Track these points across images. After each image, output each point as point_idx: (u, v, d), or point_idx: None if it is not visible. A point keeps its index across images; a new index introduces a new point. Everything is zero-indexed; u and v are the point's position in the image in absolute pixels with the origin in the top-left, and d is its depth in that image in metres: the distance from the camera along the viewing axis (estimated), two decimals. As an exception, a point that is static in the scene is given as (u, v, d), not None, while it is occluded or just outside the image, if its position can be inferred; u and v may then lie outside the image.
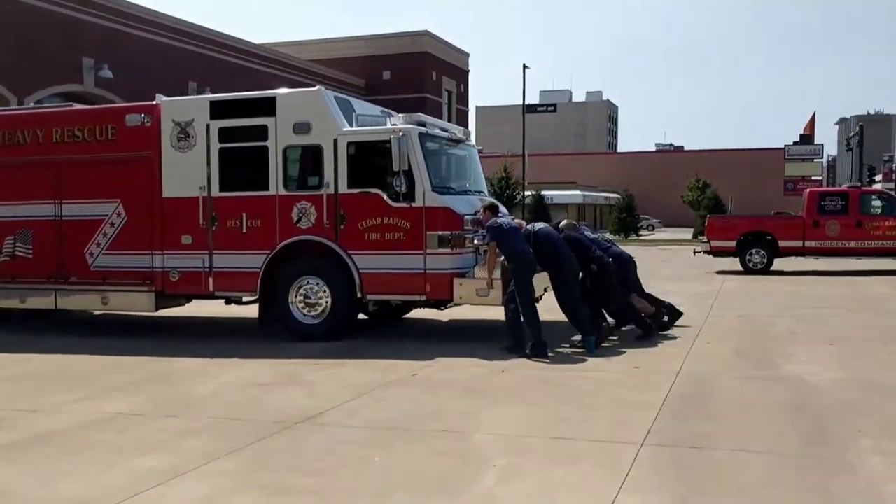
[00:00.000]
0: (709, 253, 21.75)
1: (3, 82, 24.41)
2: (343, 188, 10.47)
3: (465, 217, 10.50)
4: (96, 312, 13.17)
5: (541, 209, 46.51)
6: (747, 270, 21.00)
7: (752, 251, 21.18)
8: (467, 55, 47.73)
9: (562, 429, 6.39)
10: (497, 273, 9.86)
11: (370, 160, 10.49)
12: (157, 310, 11.27)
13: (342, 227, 10.46)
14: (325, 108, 10.57)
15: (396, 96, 39.56)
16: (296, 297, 10.68)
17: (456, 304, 10.72)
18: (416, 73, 40.26)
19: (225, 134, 10.82)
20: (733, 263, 21.51)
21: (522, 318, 9.62)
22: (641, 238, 48.35)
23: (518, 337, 9.61)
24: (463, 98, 47.18)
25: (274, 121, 10.64)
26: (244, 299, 11.22)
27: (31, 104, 22.40)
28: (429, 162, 10.43)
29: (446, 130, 11.59)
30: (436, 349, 9.88)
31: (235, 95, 11.15)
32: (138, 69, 28.09)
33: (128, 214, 11.10)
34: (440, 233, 10.23)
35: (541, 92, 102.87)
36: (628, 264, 11.22)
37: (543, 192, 49.99)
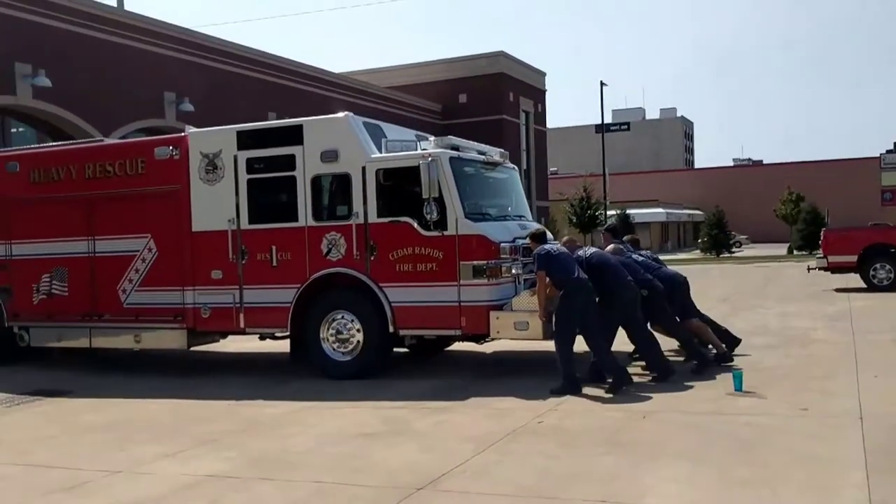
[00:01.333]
0: (826, 269, 19.91)
1: (88, 119, 24.76)
2: (373, 217, 9.83)
3: (502, 244, 9.75)
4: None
5: (626, 228, 45.18)
6: (871, 287, 19.18)
7: (876, 266, 19.37)
8: (543, 74, 46.96)
9: (747, 497, 5.20)
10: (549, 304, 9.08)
11: (399, 187, 9.82)
12: (189, 347, 10.86)
13: (372, 258, 9.83)
14: (353, 135, 10.03)
15: (473, 119, 39.14)
16: (327, 332, 10.05)
17: (493, 339, 10.03)
18: (493, 94, 39.70)
19: (253, 164, 10.32)
20: (850, 280, 19.72)
21: (558, 351, 8.86)
22: (734, 255, 46.40)
23: (572, 375, 8.70)
24: (540, 118, 46.40)
25: (301, 149, 10.09)
26: (277, 334, 10.82)
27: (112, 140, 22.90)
28: (461, 187, 9.73)
29: (483, 153, 10.96)
30: (541, 388, 8.72)
31: (262, 124, 10.74)
32: (218, 101, 28.18)
33: (158, 249, 10.72)
34: (475, 262, 9.48)
35: (613, 111, 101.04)
36: (681, 286, 10.34)
37: (629, 211, 48.67)
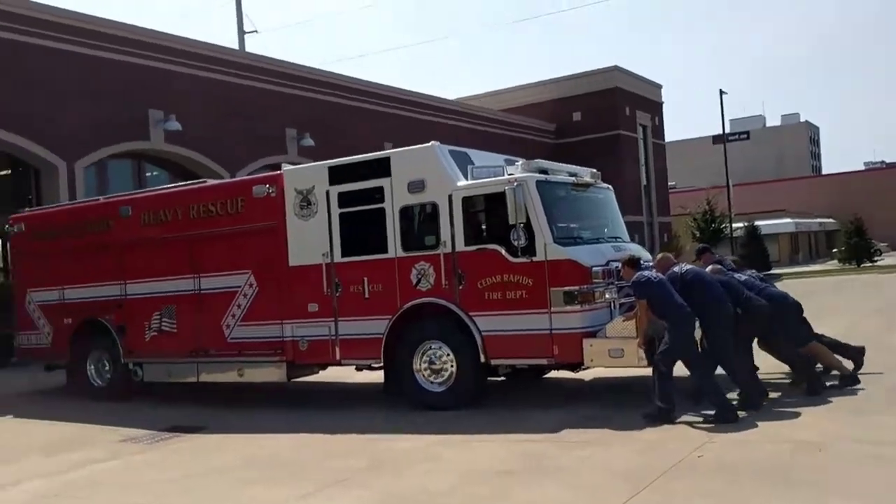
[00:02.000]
0: None
1: (215, 159, 25.66)
2: (460, 246, 9.66)
3: (594, 269, 9.41)
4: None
5: (754, 242, 43.28)
6: None
7: None
8: (660, 86, 45.83)
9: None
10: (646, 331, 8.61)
11: (486, 214, 9.65)
12: (289, 380, 11.01)
13: (461, 287, 9.65)
14: (438, 164, 9.91)
15: (589, 136, 38.59)
16: (420, 363, 9.97)
17: (587, 368, 9.69)
18: (608, 110, 38.99)
19: (344, 199, 10.37)
20: None
21: (699, 384, 8.46)
22: (877, 265, 43.49)
23: (669, 402, 8.35)
24: (658, 131, 45.22)
25: (389, 181, 10.05)
26: (374, 365, 10.84)
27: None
28: (550, 211, 9.43)
29: (574, 174, 10.68)
30: (691, 418, 8.26)
31: (352, 159, 10.81)
32: (337, 135, 28.67)
33: (259, 285, 10.89)
34: (565, 288, 9.15)
35: (731, 120, 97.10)
36: (790, 308, 9.68)
37: (756, 223, 46.64)
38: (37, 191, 21.63)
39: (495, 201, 9.46)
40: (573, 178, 10.36)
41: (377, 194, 10.21)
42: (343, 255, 10.45)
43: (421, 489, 6.68)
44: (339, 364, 10.71)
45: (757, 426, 7.90)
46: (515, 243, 9.28)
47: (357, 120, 30.22)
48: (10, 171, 22.57)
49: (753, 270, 10.76)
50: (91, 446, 9.32)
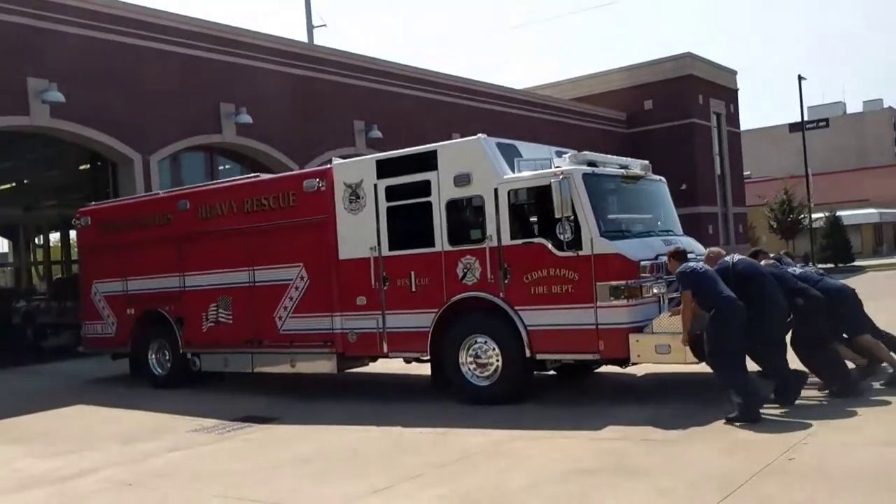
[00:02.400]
0: None
1: (285, 152, 25.94)
2: (506, 240, 9.56)
3: (642, 263, 9.19)
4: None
5: (836, 233, 41.77)
6: None
7: None
8: (734, 73, 44.53)
9: None
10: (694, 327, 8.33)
11: (532, 208, 9.51)
12: (338, 371, 11.12)
13: (506, 280, 9.55)
14: (484, 157, 9.80)
15: (661, 125, 37.77)
16: (466, 357, 9.90)
17: (634, 364, 9.49)
18: (681, 98, 38.01)
19: (391, 192, 10.37)
20: None
21: (722, 376, 8.15)
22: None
23: (752, 396, 7.93)
24: (733, 119, 43.87)
25: (436, 175, 10.00)
26: (422, 358, 10.85)
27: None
28: (597, 204, 9.23)
29: (624, 167, 10.46)
30: (785, 416, 7.96)
31: (399, 152, 10.82)
32: (404, 126, 28.66)
33: (310, 278, 11.01)
34: (612, 283, 8.95)
35: (808, 108, 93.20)
36: (848, 299, 9.28)
37: (838, 213, 44.97)
38: (114, 184, 22.22)
39: (541, 194, 9.33)
40: (623, 171, 10.13)
41: (424, 188, 10.18)
42: (390, 249, 10.47)
43: (498, 487, 6.48)
44: (386, 356, 10.76)
45: (858, 427, 7.51)
46: (561, 237, 9.14)
47: (425, 111, 30.11)
48: (89, 166, 23.43)
49: (811, 266, 10.41)
50: (165, 435, 9.50)
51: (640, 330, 8.96)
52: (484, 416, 9.10)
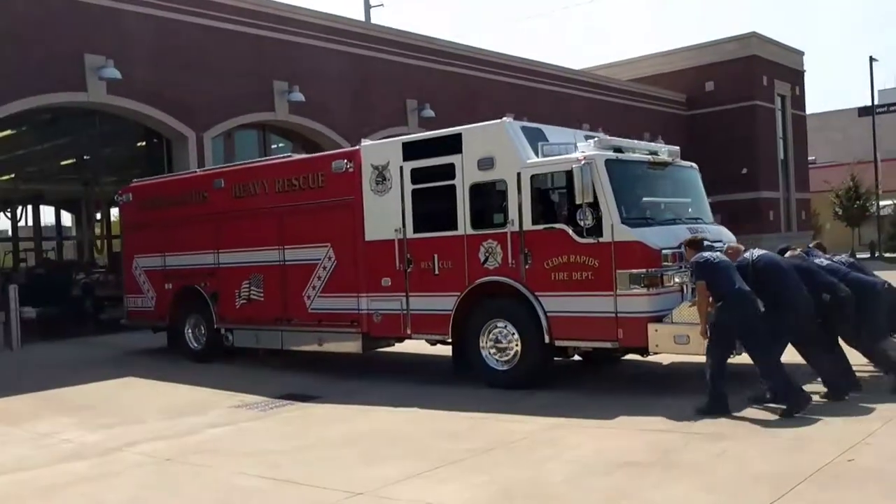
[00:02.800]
0: None
1: (336, 129, 25.99)
2: (528, 225, 9.52)
3: (664, 251, 9.04)
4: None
5: None
6: None
7: None
8: (801, 53, 43.06)
9: None
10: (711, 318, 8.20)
11: (554, 193, 9.46)
12: (363, 351, 11.23)
13: (527, 266, 9.52)
14: (508, 141, 9.74)
15: (722, 107, 36.86)
16: (486, 341, 9.91)
17: (654, 353, 9.36)
18: (744, 79, 36.92)
19: (416, 175, 10.42)
20: None
21: (707, 365, 8.07)
22: None
23: (720, 394, 7.92)
24: (798, 102, 42.48)
25: (461, 158, 10.00)
26: (448, 340, 10.87)
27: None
28: (620, 190, 9.11)
29: (654, 152, 10.27)
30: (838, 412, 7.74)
31: (425, 135, 10.84)
32: (458, 106, 28.40)
33: (337, 258, 11.15)
34: (632, 271, 8.85)
35: (879, 91, 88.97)
36: (878, 294, 8.89)
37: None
38: (168, 160, 22.66)
39: (563, 180, 9.28)
40: (649, 157, 9.96)
41: (448, 171, 10.19)
42: (415, 232, 10.53)
43: (537, 478, 6.34)
44: (409, 338, 10.84)
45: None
46: (582, 223, 9.08)
47: (479, 91, 29.84)
48: (145, 143, 23.98)
49: (844, 255, 10.07)
50: (209, 410, 9.65)
51: (659, 319, 8.85)
52: (526, 403, 9.03)
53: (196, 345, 13.22)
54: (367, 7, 34.62)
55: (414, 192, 10.51)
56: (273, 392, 10.42)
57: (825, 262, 9.08)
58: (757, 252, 8.54)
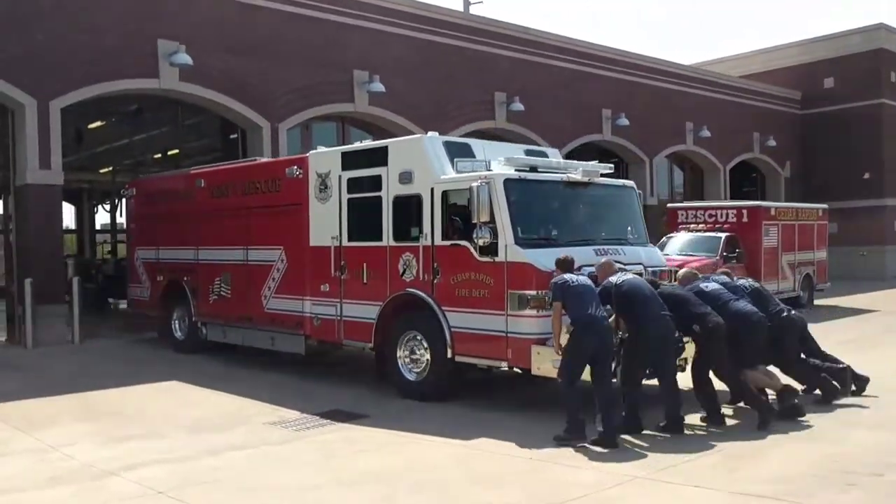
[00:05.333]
0: None
1: (417, 122, 25.48)
2: (438, 240, 10.20)
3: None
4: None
5: None
6: None
7: None
8: (937, 47, 40.25)
9: None
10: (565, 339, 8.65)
11: (460, 210, 10.05)
12: (305, 354, 12.19)
13: (436, 280, 10.22)
14: (426, 156, 10.39)
15: (842, 106, 35.13)
16: (402, 351, 10.67)
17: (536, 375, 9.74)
18: (869, 75, 34.42)
19: (351, 184, 11.26)
20: None
21: (561, 392, 8.48)
22: None
23: (577, 420, 8.32)
24: (932, 100, 39.83)
25: (386, 170, 10.79)
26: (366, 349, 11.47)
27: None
28: (519, 211, 9.63)
29: (575, 170, 10.52)
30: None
31: (359, 146, 11.61)
32: (551, 100, 28.51)
33: (288, 261, 12.18)
34: (521, 292, 9.38)
35: None
36: (753, 326, 9.12)
37: None
38: (243, 152, 23.65)
39: (466, 198, 9.82)
40: (563, 176, 10.32)
41: (377, 182, 10.98)
42: (349, 240, 11.39)
43: None
44: (341, 344, 11.69)
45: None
46: (478, 241, 9.61)
47: (576, 84, 29.55)
48: (224, 134, 25.13)
49: (747, 280, 10.24)
50: (238, 427, 9.39)
51: (544, 342, 9.27)
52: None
53: (180, 335, 14.62)
54: (466, 3, 35.16)
55: (349, 201, 11.37)
56: (319, 406, 10.19)
57: (711, 287, 9.27)
58: (624, 276, 8.83)
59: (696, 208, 23.42)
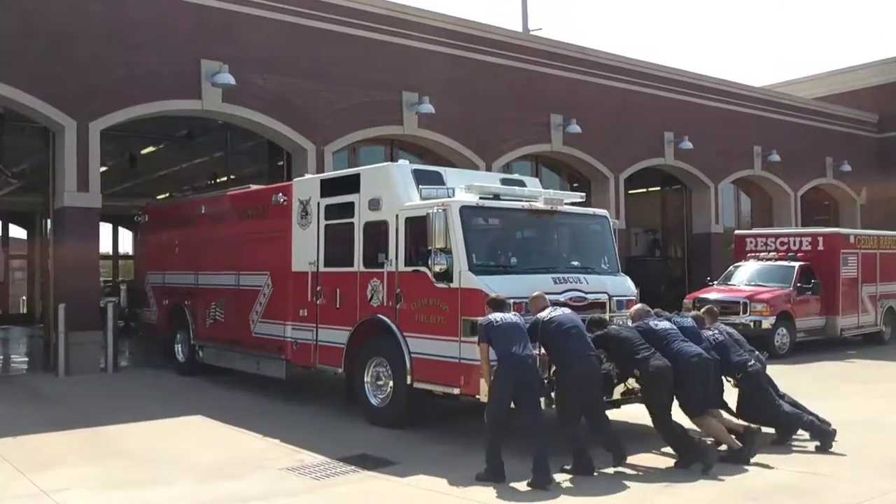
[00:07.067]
0: None
1: (469, 145, 26.11)
2: (401, 266, 10.73)
3: (509, 301, 9.87)
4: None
5: None
6: None
7: None
8: None
9: None
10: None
11: (420, 236, 10.52)
12: (285, 377, 12.84)
13: (399, 306, 10.73)
14: (392, 183, 10.96)
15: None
16: (369, 377, 11.21)
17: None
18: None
19: (328, 211, 11.93)
20: None
21: (485, 434, 8.64)
22: None
23: (497, 460, 8.47)
24: None
25: (358, 197, 11.41)
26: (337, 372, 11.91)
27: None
28: (474, 238, 10.09)
29: (533, 198, 10.86)
30: None
31: (336, 174, 12.31)
32: (607, 121, 28.47)
33: (273, 286, 12.94)
34: (473, 318, 9.76)
35: None
36: (695, 370, 9.10)
37: None
38: (287, 175, 24.08)
39: (424, 224, 10.29)
40: (524, 204, 10.67)
41: (350, 209, 11.63)
42: (325, 265, 12.02)
43: None
44: (315, 368, 12.25)
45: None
46: (434, 268, 10.07)
47: (636, 106, 29.45)
48: (271, 157, 25.75)
49: (718, 328, 10.23)
50: (253, 473, 8.98)
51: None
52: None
53: (181, 358, 15.49)
54: (525, 18, 35.49)
55: (326, 227, 12.04)
56: (347, 449, 9.78)
57: (660, 326, 9.40)
58: (555, 313, 9.11)
59: (767, 235, 22.92)
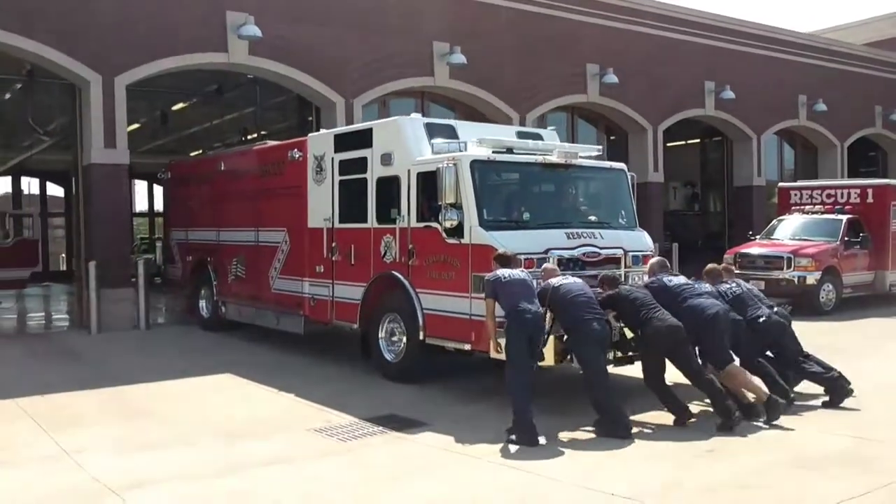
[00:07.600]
0: None
1: (502, 97, 25.61)
2: (413, 221, 10.79)
3: (519, 256, 9.86)
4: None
5: None
6: None
7: None
8: None
9: None
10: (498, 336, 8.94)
11: (431, 191, 10.56)
12: (304, 333, 13.04)
13: (411, 262, 10.82)
14: (404, 138, 10.97)
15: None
16: (383, 332, 11.35)
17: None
18: None
19: (342, 166, 12.00)
20: None
21: (507, 389, 8.71)
22: None
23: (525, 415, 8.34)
24: None
25: (371, 152, 11.47)
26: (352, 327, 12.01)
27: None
28: (487, 193, 10.10)
29: (547, 152, 10.79)
30: None
31: (350, 128, 12.28)
32: (645, 73, 27.98)
33: (291, 243, 13.09)
34: (483, 274, 9.79)
35: None
36: (709, 323, 9.01)
37: None
38: (317, 128, 23.82)
39: (435, 179, 10.28)
40: (538, 158, 10.58)
41: (363, 164, 11.67)
42: (340, 221, 12.10)
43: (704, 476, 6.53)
44: (332, 324, 12.38)
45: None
46: (445, 223, 10.07)
47: (674, 55, 28.76)
48: (297, 109, 25.70)
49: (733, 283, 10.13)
50: (281, 432, 8.90)
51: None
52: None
53: (206, 313, 15.79)
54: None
55: (340, 182, 12.10)
56: (375, 409, 9.73)
57: (674, 282, 9.34)
58: (564, 280, 9.13)
59: (813, 188, 22.41)
